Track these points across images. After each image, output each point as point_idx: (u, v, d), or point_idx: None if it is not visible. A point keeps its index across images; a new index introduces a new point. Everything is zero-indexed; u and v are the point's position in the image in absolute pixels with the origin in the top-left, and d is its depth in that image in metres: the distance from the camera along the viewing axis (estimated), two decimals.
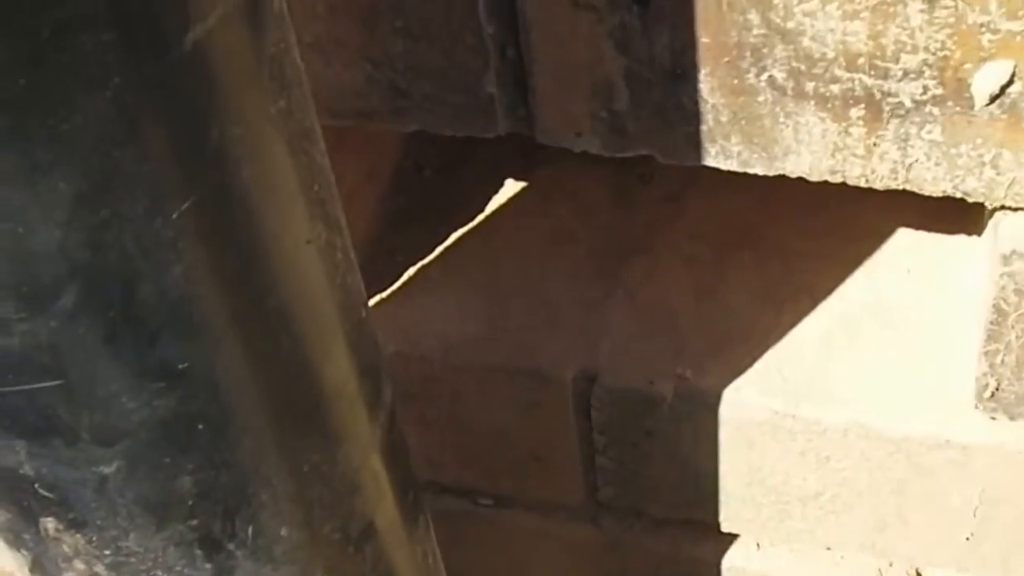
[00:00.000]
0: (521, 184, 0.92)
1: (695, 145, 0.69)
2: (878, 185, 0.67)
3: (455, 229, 0.91)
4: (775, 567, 0.89)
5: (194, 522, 0.55)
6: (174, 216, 0.44)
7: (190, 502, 0.53)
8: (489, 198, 0.92)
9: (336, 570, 0.61)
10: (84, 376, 0.46)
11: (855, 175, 0.67)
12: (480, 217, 0.91)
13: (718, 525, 0.87)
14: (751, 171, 0.69)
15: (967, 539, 0.81)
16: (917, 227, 0.81)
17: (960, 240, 0.80)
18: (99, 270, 0.43)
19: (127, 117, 0.41)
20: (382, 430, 0.63)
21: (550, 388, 0.83)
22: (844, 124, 0.65)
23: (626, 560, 0.93)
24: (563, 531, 0.93)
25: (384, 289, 0.88)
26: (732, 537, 0.89)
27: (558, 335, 0.83)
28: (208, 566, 0.57)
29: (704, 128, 0.68)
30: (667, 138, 0.69)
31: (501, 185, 0.92)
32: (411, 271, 0.89)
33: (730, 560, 0.90)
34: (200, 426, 0.50)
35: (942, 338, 0.78)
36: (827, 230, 0.83)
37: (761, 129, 0.66)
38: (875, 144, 0.65)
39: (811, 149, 0.66)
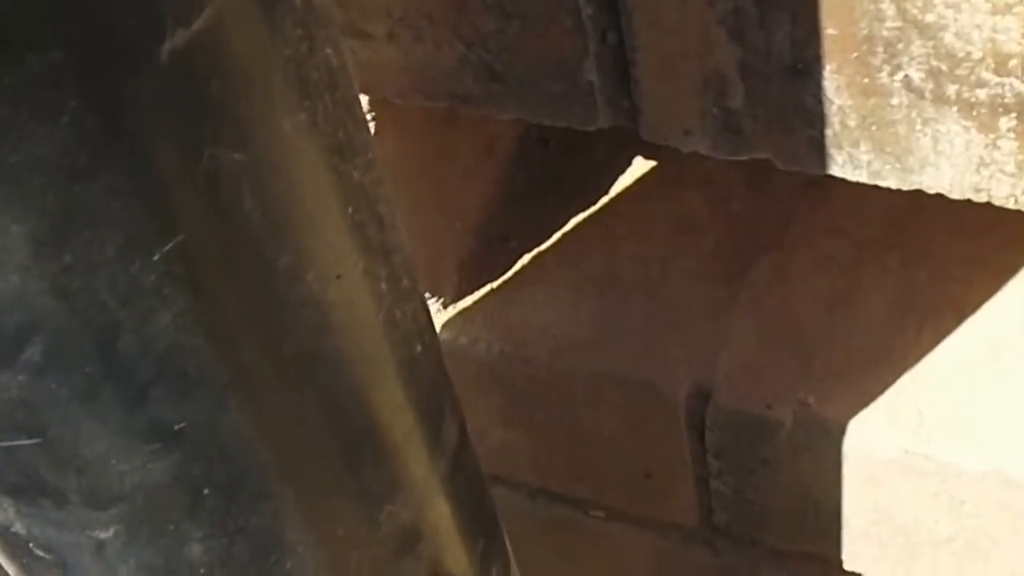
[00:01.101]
0: (651, 163, 0.85)
1: (819, 151, 0.61)
2: None
3: (576, 212, 0.84)
4: None
5: None
6: (155, 258, 0.38)
7: (202, 570, 0.47)
8: (616, 177, 0.85)
9: None
10: (64, 435, 0.41)
11: (1003, 195, 0.58)
12: (603, 200, 0.84)
13: (840, 562, 0.79)
14: (883, 184, 0.60)
15: None
16: None
17: None
18: (67, 320, 0.38)
19: (89, 146, 0.35)
20: (445, 474, 0.57)
21: (661, 403, 0.76)
22: (992, 136, 0.56)
23: None
24: (677, 552, 0.87)
25: (496, 278, 0.82)
26: (855, 575, 0.82)
27: (673, 344, 0.77)
28: None
29: (829, 132, 0.60)
30: (787, 141, 0.61)
31: (630, 163, 0.85)
32: (525, 259, 0.83)
33: None
34: (206, 491, 0.44)
35: None
36: (984, 230, 0.74)
37: (895, 137, 0.58)
38: None
39: (952, 163, 0.58)
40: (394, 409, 0.52)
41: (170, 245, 0.38)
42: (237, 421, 0.44)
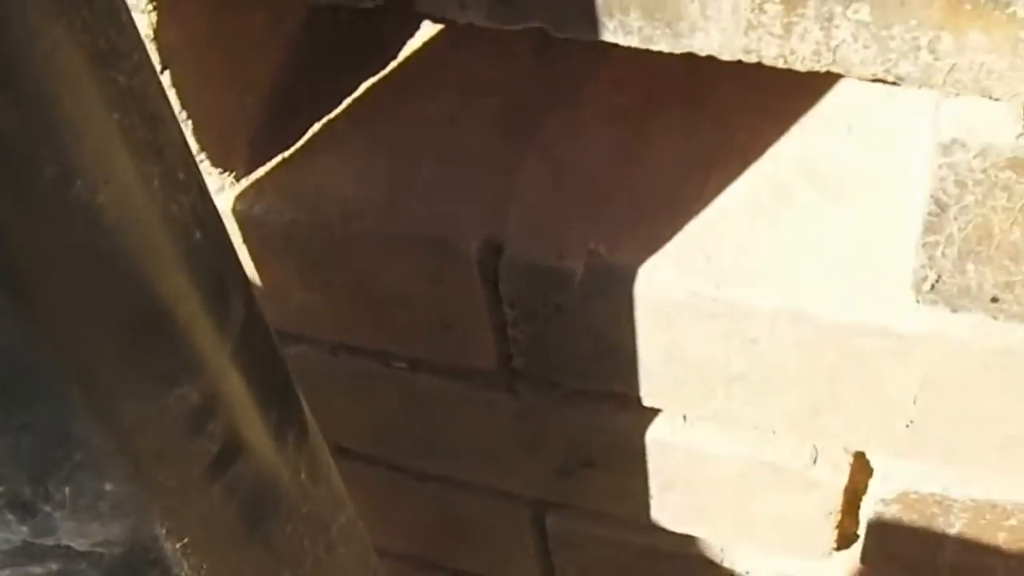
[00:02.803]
0: (438, 27, 0.84)
1: (590, 19, 0.61)
2: (799, 67, 0.60)
3: (366, 79, 0.84)
4: (702, 440, 0.85)
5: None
6: None
7: None
8: (404, 42, 0.85)
9: (177, 515, 0.57)
10: None
11: (772, 55, 0.60)
12: (392, 65, 0.84)
13: (639, 399, 0.83)
14: (655, 48, 0.61)
15: (907, 426, 0.76)
16: None
17: (913, 92, 0.73)
18: None
19: None
20: (234, 351, 0.58)
21: (454, 258, 0.77)
22: (758, 0, 0.58)
23: (545, 427, 0.89)
24: (479, 397, 0.89)
25: (288, 148, 0.82)
26: (655, 411, 0.85)
27: (464, 200, 0.77)
28: (24, 528, 0.53)
29: (599, 1, 0.60)
30: (559, 10, 0.62)
31: (418, 27, 0.85)
32: (315, 127, 0.82)
33: (654, 432, 0.86)
34: None
35: (885, 212, 0.72)
36: (766, 80, 0.76)
37: (663, 3, 0.59)
38: (795, 22, 0.58)
39: (721, 26, 0.59)
40: (177, 297, 0.53)
41: None
42: (12, 323, 0.45)
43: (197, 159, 0.76)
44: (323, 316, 0.86)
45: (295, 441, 0.66)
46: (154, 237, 0.51)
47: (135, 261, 0.50)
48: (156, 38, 0.68)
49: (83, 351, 0.50)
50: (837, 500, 0.85)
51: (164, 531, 0.56)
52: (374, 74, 0.83)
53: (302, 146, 0.81)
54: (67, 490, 0.53)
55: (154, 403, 0.53)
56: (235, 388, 0.59)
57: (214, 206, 0.57)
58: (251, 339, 0.61)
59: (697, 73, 0.78)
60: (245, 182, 0.80)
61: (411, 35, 0.84)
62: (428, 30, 0.84)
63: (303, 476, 0.67)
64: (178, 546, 0.57)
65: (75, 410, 0.50)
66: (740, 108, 0.76)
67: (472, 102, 0.81)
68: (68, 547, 0.54)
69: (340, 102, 0.83)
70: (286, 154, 0.81)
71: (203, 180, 0.57)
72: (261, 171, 0.80)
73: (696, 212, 0.74)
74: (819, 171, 0.74)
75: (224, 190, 0.79)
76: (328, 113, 0.82)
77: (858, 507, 0.87)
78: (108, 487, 0.54)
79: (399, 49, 0.84)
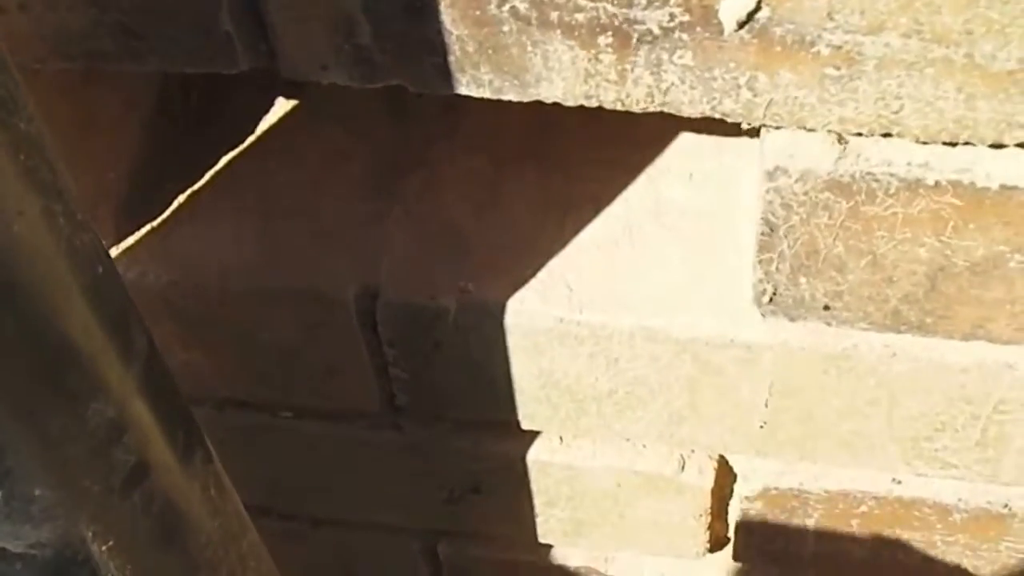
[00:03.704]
0: (294, 102, 0.91)
1: (445, 75, 0.68)
2: (635, 108, 0.68)
3: (225, 152, 0.90)
4: (579, 457, 0.92)
5: None
6: None
7: None
8: (260, 118, 0.91)
9: (102, 519, 0.63)
10: None
11: (610, 100, 0.67)
12: (251, 139, 0.90)
13: (518, 423, 0.90)
14: (505, 98, 0.69)
15: (761, 427, 0.84)
16: (700, 131, 0.83)
17: (743, 143, 0.82)
18: None
19: None
20: (138, 378, 0.64)
21: (332, 307, 0.84)
22: (593, 51, 0.65)
23: (431, 460, 0.96)
24: (365, 437, 0.95)
25: (154, 218, 0.87)
26: (534, 434, 0.92)
27: (336, 254, 0.84)
28: None
29: (452, 59, 0.67)
30: (415, 69, 0.69)
31: (272, 104, 0.91)
32: (181, 198, 0.88)
33: (535, 454, 0.93)
34: None
35: (725, 240, 0.80)
36: (611, 137, 0.84)
37: (509, 58, 0.66)
38: (628, 69, 0.65)
39: (563, 76, 0.67)
40: (86, 325, 0.59)
41: None
42: None
43: None
44: (206, 374, 0.92)
45: (202, 462, 0.72)
46: (63, 269, 0.57)
47: (49, 291, 0.56)
48: None
49: (6, 373, 0.55)
50: (706, 502, 0.93)
51: (91, 534, 0.62)
52: (234, 147, 0.89)
53: (170, 215, 0.86)
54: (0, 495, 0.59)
55: (75, 415, 0.59)
56: (144, 410, 0.65)
57: (106, 248, 0.64)
58: (154, 370, 0.67)
59: (546, 132, 0.85)
60: (116, 251, 0.85)
61: (266, 112, 0.90)
62: (283, 105, 0.90)
63: (212, 492, 0.73)
64: (104, 548, 0.63)
65: (2, 421, 0.56)
66: (589, 162, 0.84)
67: (333, 168, 0.87)
68: (3, 548, 0.60)
69: (203, 174, 0.88)
70: (154, 224, 0.86)
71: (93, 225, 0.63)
72: (131, 240, 0.85)
73: (556, 250, 0.82)
74: (665, 211, 0.82)
75: None
76: (192, 185, 0.88)
77: (727, 509, 0.95)
78: (38, 492, 0.59)
79: (255, 126, 0.90)
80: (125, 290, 0.65)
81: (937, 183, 0.67)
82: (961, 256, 0.70)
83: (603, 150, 0.84)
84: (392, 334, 0.85)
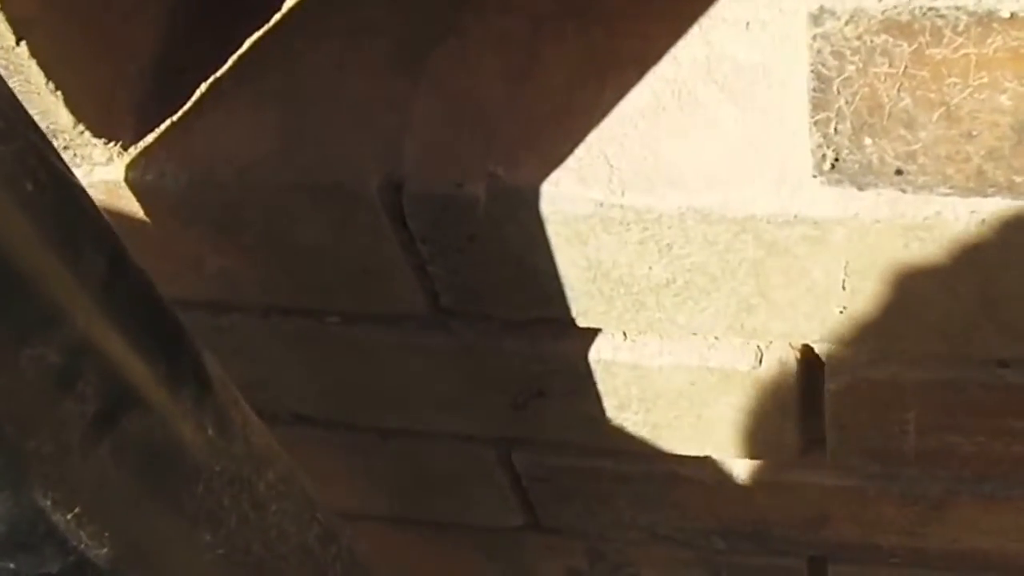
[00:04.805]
0: None
1: None
2: None
3: (250, 34, 0.83)
4: (645, 355, 0.84)
5: None
6: None
7: None
8: None
9: (61, 484, 0.56)
10: None
11: None
12: (276, 18, 0.83)
13: (573, 321, 0.82)
14: None
15: (840, 312, 0.76)
16: None
17: None
18: None
19: None
20: (99, 304, 0.56)
21: (356, 201, 0.77)
22: None
23: (486, 363, 0.89)
24: (416, 341, 0.88)
25: (175, 112, 0.81)
26: (595, 331, 0.85)
27: (358, 141, 0.76)
28: None
29: None
30: None
31: None
32: (202, 88, 0.82)
33: (596, 353, 0.85)
34: None
35: (786, 100, 0.71)
36: None
37: None
38: None
39: None
40: (11, 249, 0.52)
41: None
42: None
43: (76, 131, 0.75)
44: (244, 280, 0.86)
45: (195, 396, 0.65)
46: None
47: None
48: (3, 9, 0.68)
49: None
50: (790, 397, 0.84)
51: (49, 503, 0.55)
52: (258, 29, 0.82)
53: (189, 108, 0.80)
54: None
55: (4, 368, 0.52)
56: (108, 345, 0.58)
57: (55, 164, 0.56)
58: (118, 296, 0.59)
59: None
60: (134, 151, 0.79)
61: None
62: None
63: (210, 432, 0.66)
64: (69, 517, 0.56)
65: None
66: (632, 16, 0.75)
67: (359, 45, 0.80)
68: None
69: (226, 61, 0.82)
70: (174, 118, 0.80)
71: (40, 138, 0.56)
72: (150, 138, 0.79)
73: (594, 123, 0.73)
74: (717, 69, 0.73)
75: (113, 160, 0.78)
76: (214, 73, 0.81)
77: (818, 404, 0.87)
78: None
79: (281, 2, 0.83)
80: (77, 208, 0.57)
81: (1014, 15, 0.57)
82: None
83: (647, 2, 0.75)
84: (423, 229, 0.77)
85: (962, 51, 0.58)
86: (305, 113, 0.78)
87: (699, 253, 0.73)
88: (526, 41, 0.77)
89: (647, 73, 0.74)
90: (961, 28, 0.57)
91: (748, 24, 0.73)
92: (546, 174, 0.73)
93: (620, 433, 0.93)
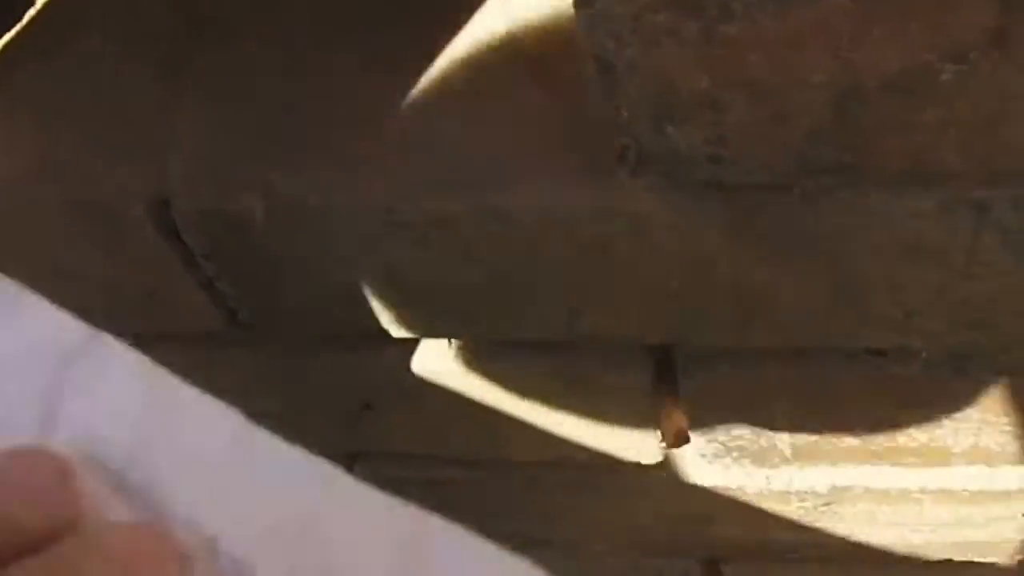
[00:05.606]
0: None
1: None
2: None
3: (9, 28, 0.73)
4: (476, 362, 0.76)
5: None
6: None
7: None
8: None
9: None
10: None
11: None
12: (31, 13, 0.74)
13: (387, 332, 0.73)
14: None
15: (682, 309, 0.67)
16: None
17: None
18: None
19: None
20: None
21: (124, 222, 0.68)
22: None
23: (301, 378, 0.81)
24: (220, 357, 0.80)
25: None
26: (415, 340, 0.76)
27: (121, 157, 0.67)
28: None
29: None
30: None
31: None
32: None
33: (421, 362, 0.77)
34: None
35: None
36: None
37: None
38: None
39: None
40: None
41: None
42: None
43: None
44: None
45: None
46: None
47: None
48: None
49: None
50: (644, 400, 0.76)
51: None
52: (6, 31, 0.73)
53: None
54: None
55: None
56: None
57: None
58: None
59: None
60: None
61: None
62: None
63: None
64: None
65: None
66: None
67: (135, 36, 0.70)
68: None
69: None
70: None
71: None
72: None
73: (380, 121, 0.65)
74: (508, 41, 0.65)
75: None
76: None
77: (679, 403, 0.79)
78: None
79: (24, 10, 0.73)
80: None
81: None
82: (870, 74, 0.52)
83: None
84: (202, 245, 0.68)
85: (759, 25, 0.50)
86: (63, 127, 0.69)
87: (502, 254, 0.65)
88: (307, 41, 0.68)
89: (435, 65, 0.65)
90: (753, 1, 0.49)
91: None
92: (329, 180, 0.64)
93: (467, 442, 0.85)
